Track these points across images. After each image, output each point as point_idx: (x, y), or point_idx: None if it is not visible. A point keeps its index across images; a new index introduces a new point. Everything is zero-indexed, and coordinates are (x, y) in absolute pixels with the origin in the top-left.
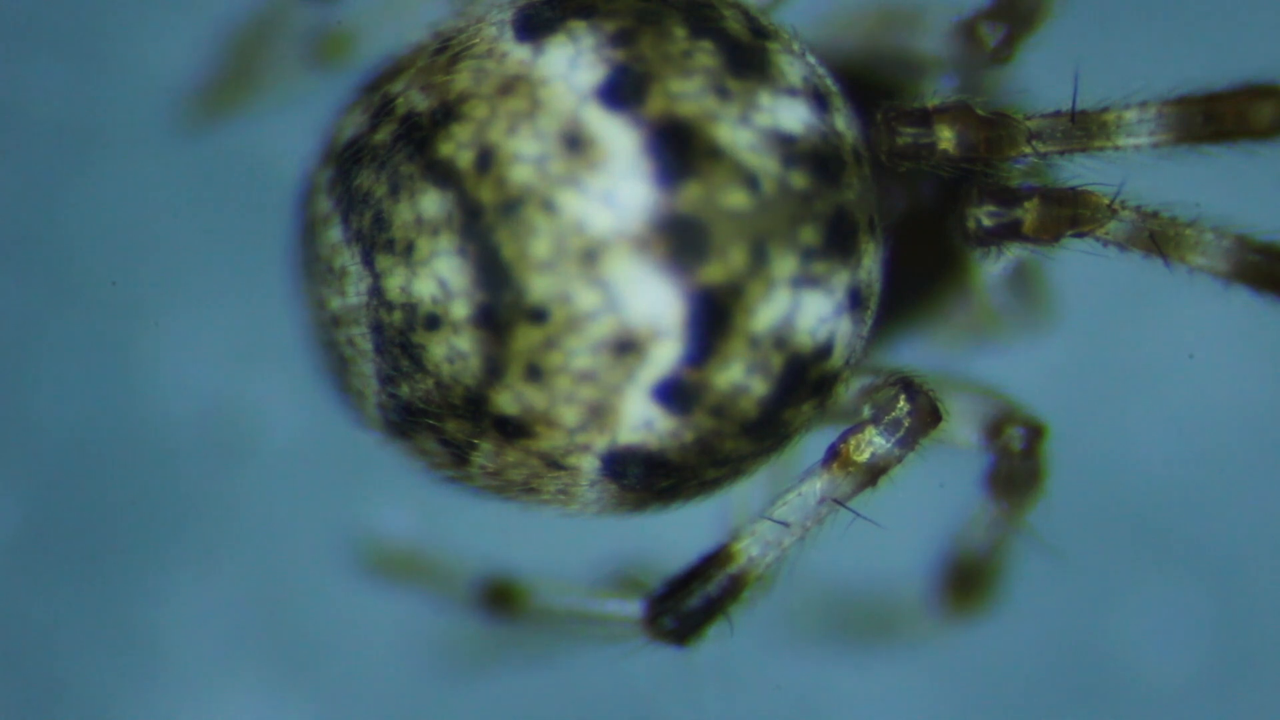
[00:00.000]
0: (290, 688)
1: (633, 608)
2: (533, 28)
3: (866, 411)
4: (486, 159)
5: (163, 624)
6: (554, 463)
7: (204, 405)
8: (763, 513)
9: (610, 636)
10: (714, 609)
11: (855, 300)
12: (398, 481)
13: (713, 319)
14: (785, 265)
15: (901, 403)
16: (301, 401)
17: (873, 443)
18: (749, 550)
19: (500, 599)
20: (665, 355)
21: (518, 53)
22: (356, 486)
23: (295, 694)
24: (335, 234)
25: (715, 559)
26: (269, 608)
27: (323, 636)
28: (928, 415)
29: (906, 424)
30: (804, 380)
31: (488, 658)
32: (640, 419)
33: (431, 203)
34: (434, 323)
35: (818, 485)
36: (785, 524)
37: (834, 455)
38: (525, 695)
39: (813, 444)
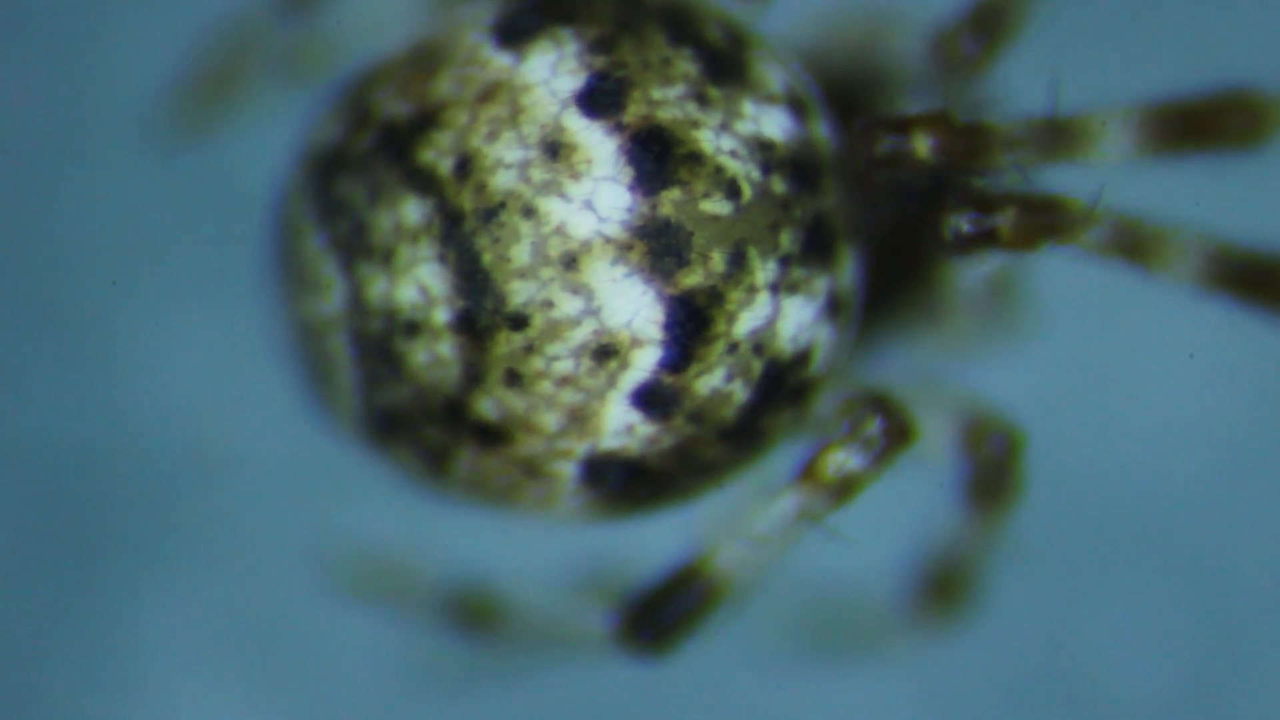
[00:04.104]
0: (266, 702)
1: (605, 620)
2: (513, 34)
3: (840, 427)
4: (466, 165)
5: (140, 637)
6: (533, 470)
7: (183, 417)
8: (735, 526)
9: (583, 650)
10: (687, 621)
11: (834, 307)
12: (377, 492)
13: (692, 325)
14: (764, 271)
15: (874, 421)
16: (281, 412)
17: (844, 460)
18: (721, 563)
19: (473, 615)
20: (645, 361)
21: (498, 59)
22: (335, 498)
23: (271, 708)
24: (314, 242)
25: (687, 571)
26: (246, 622)
27: (299, 651)
28: (900, 434)
29: (878, 442)
30: (783, 387)
31: (462, 674)
32: (620, 424)
33: (411, 210)
34: (414, 330)
35: (789, 500)
36: (757, 537)
37: (806, 470)
38: (500, 712)
39: (788, 455)
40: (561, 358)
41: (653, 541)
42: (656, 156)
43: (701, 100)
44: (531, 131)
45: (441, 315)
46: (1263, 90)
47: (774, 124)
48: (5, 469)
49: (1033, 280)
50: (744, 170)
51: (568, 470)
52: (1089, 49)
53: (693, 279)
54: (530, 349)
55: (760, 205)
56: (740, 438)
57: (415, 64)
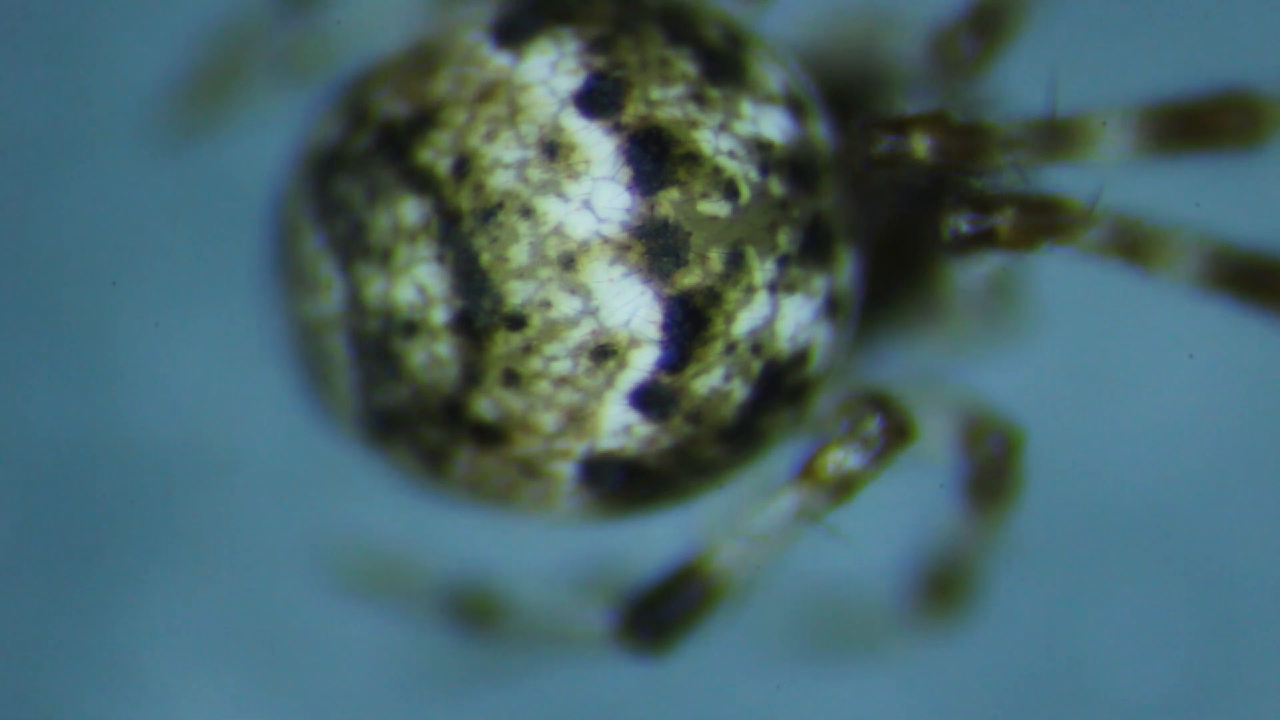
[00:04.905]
0: (266, 701)
1: (605, 619)
2: (512, 33)
3: (839, 426)
4: (464, 165)
5: (140, 637)
6: (531, 470)
7: (183, 417)
8: (734, 524)
9: (583, 648)
10: (686, 620)
11: (833, 306)
12: (376, 491)
13: (690, 325)
14: (762, 271)
15: (874, 419)
16: (279, 412)
17: (844, 458)
18: (720, 561)
19: (472, 613)
20: (643, 361)
21: (497, 58)
22: (335, 497)
23: (271, 707)
24: (313, 242)
25: (687, 570)
26: (246, 621)
27: (299, 650)
28: (899, 433)
29: (877, 441)
30: (781, 387)
31: (462, 673)
32: (618, 425)
33: (409, 209)
34: (412, 330)
35: (789, 499)
36: (756, 536)
37: (805, 469)
38: (500, 712)
39: (787, 455)
40: (559, 358)
41: (652, 541)
42: (655, 157)
43: (700, 100)
44: (530, 131)
45: (439, 315)
46: (1262, 90)
47: (772, 124)
48: (5, 469)
49: (1033, 280)
50: (742, 171)
51: (566, 470)
52: (1089, 49)
53: (691, 279)
54: (528, 349)
55: (758, 205)
56: (739, 437)
57: (414, 63)
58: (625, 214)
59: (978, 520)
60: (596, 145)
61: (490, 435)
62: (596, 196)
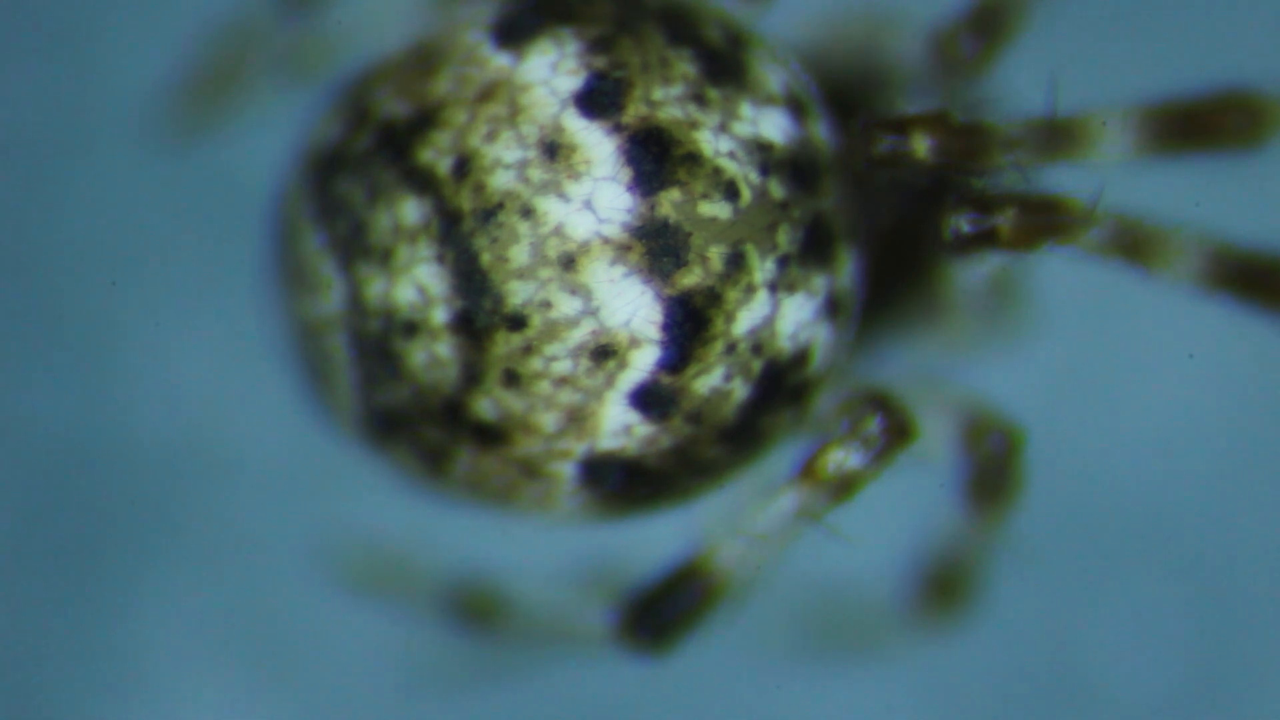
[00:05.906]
0: (266, 700)
1: (606, 618)
2: (512, 33)
3: (840, 426)
4: (464, 165)
5: (140, 637)
6: (531, 470)
7: (183, 416)
8: (735, 523)
9: (584, 647)
10: (687, 619)
11: (833, 306)
12: (377, 490)
13: (690, 325)
14: (763, 270)
15: (874, 419)
16: (280, 412)
17: (844, 458)
18: (721, 561)
19: (474, 612)
20: (643, 361)
21: (497, 59)
22: (335, 497)
23: (272, 706)
24: (313, 242)
25: (687, 569)
26: (247, 620)
27: (300, 649)
28: (899, 432)
29: (878, 441)
30: (781, 387)
31: (463, 671)
32: (618, 425)
33: (409, 209)
34: (412, 330)
35: (789, 498)
36: (757, 535)
37: (806, 469)
38: (500, 711)
39: (788, 454)
40: (560, 358)
41: (653, 540)
42: (655, 157)
43: (700, 101)
44: (530, 131)
45: (440, 315)
46: (1263, 90)
47: (773, 125)
48: (5, 468)
49: (1033, 280)
50: (742, 172)
51: (566, 470)
52: (1089, 49)
53: (691, 279)
54: (528, 349)
55: (759, 206)
56: (739, 437)
57: (414, 63)
58: (626, 214)
59: (978, 520)
60: (597, 145)
61: (491, 435)
62: (597, 197)
